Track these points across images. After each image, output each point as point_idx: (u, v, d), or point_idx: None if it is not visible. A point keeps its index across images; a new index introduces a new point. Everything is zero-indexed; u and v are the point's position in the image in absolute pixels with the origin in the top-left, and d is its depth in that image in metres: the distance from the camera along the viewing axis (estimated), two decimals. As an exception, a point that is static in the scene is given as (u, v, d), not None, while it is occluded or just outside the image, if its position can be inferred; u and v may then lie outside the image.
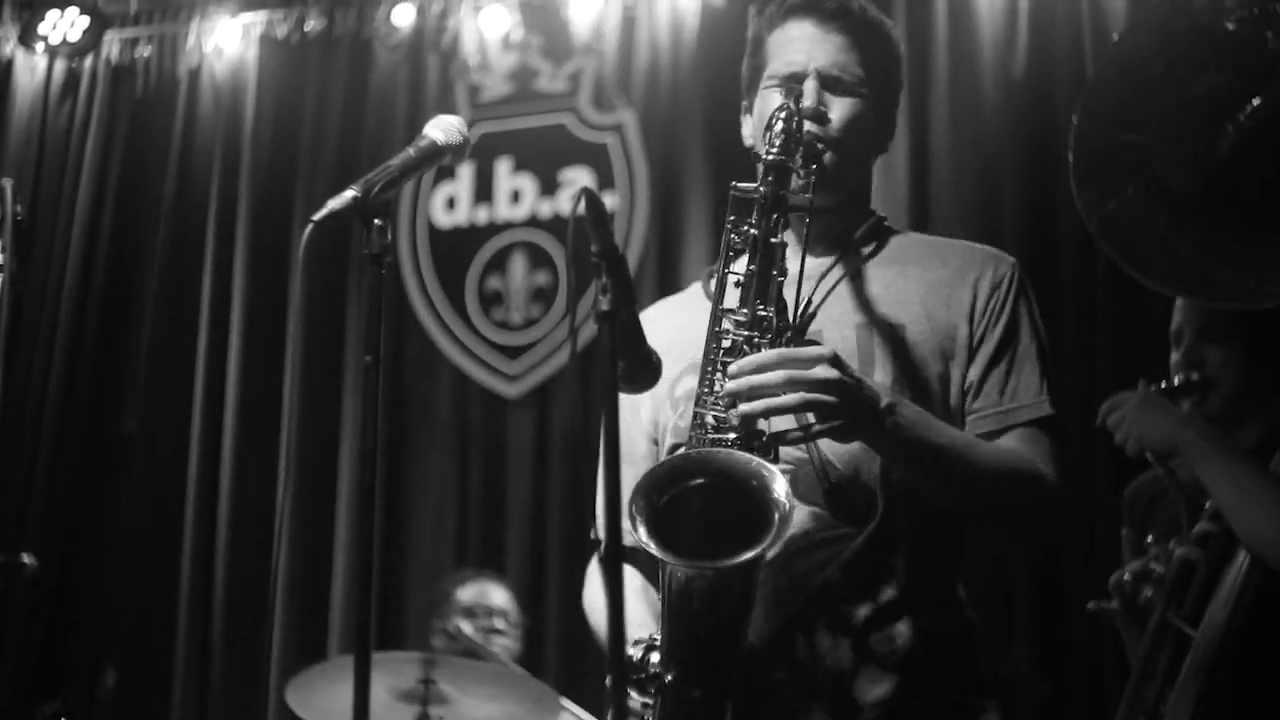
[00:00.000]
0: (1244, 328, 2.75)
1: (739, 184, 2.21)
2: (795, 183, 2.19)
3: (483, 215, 5.95)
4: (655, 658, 2.04)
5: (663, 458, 2.27)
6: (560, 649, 5.27)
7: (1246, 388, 2.76)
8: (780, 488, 1.97)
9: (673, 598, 2.01)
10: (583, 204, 1.85)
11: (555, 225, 5.80)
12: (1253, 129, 2.32)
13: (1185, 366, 2.82)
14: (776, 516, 1.95)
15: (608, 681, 1.75)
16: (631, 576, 2.34)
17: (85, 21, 6.24)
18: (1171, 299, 2.86)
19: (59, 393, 6.07)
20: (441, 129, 2.11)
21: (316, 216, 1.94)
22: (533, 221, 5.87)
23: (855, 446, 2.18)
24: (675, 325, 2.25)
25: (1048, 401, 2.29)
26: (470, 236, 5.95)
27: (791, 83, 2.30)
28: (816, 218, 2.24)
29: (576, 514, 5.21)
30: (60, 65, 6.45)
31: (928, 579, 2.22)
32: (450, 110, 5.69)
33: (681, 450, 2.09)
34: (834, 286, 2.32)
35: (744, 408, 2.02)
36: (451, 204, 6.00)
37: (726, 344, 2.12)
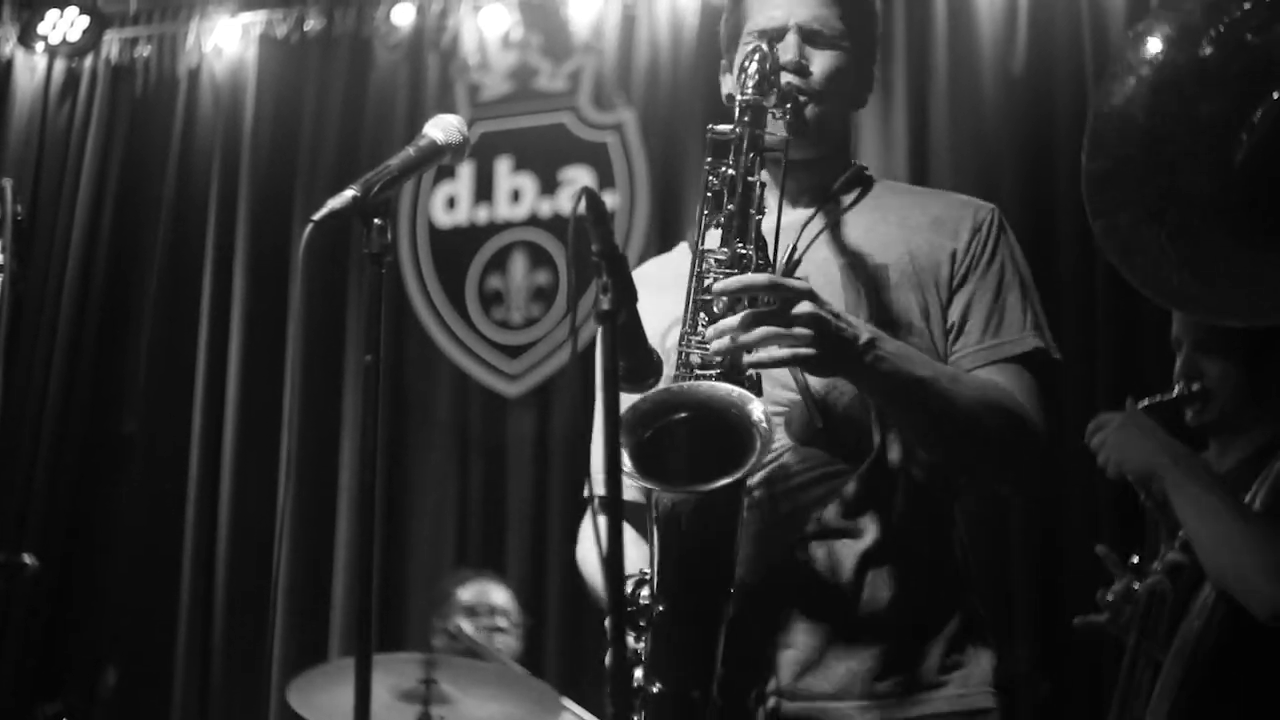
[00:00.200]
0: (1241, 340, 2.75)
1: (715, 126, 2.21)
2: (771, 124, 2.20)
3: (483, 214, 5.95)
4: (646, 592, 2.04)
5: None
6: (561, 648, 5.27)
7: (1245, 399, 2.76)
8: (757, 410, 1.98)
9: (660, 522, 2.01)
10: (583, 203, 1.85)
11: (555, 224, 5.80)
12: (1267, 130, 2.31)
13: (1183, 377, 2.82)
14: (758, 439, 1.96)
15: (606, 624, 1.75)
16: (625, 529, 2.35)
17: (85, 21, 6.24)
18: (1172, 301, 2.85)
19: (59, 393, 6.07)
20: (441, 128, 2.11)
21: (316, 216, 1.94)
22: (533, 221, 5.87)
23: (843, 382, 2.20)
24: (663, 281, 2.26)
25: (1032, 335, 2.31)
26: (470, 236, 5.95)
27: (772, 36, 2.31)
28: (799, 171, 2.28)
29: (577, 513, 5.22)
30: (60, 65, 6.45)
31: (922, 517, 2.23)
32: (450, 109, 5.67)
33: (663, 386, 2.08)
34: (817, 235, 2.34)
35: (715, 345, 2.04)
36: (452, 203, 6.00)
37: (708, 282, 2.12)
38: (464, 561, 5.44)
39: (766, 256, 2.16)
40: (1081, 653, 4.64)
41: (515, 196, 5.92)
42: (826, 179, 2.39)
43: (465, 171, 5.95)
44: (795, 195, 2.35)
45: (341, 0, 6.22)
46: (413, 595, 5.56)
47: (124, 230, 6.29)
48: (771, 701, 2.13)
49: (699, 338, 2.09)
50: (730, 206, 2.15)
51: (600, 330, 1.82)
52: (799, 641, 2.16)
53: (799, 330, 2.02)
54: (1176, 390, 2.81)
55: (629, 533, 2.31)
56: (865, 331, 2.10)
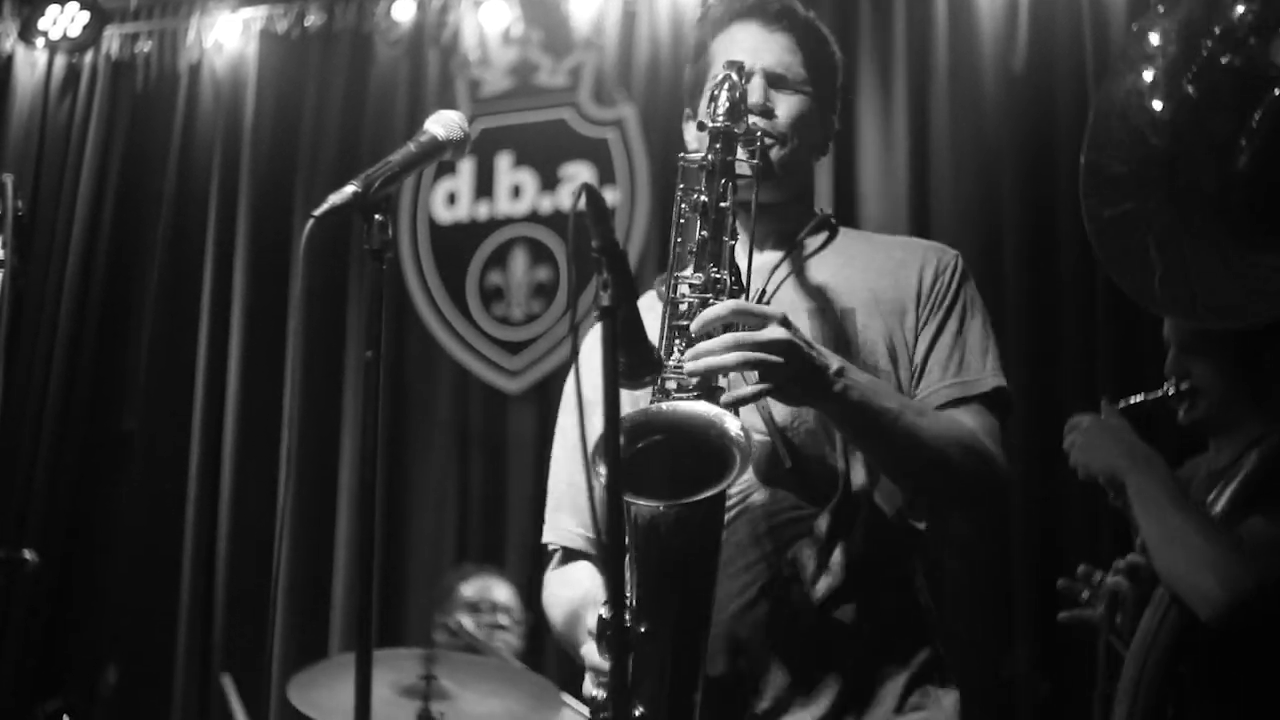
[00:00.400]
0: (1227, 339, 2.77)
1: (685, 154, 2.25)
2: (741, 152, 2.22)
3: (483, 210, 5.95)
4: (625, 617, 2.04)
5: None
6: (561, 645, 5.27)
7: (1232, 396, 2.78)
8: (735, 426, 2.00)
9: (639, 535, 2.01)
10: (583, 199, 1.85)
11: (556, 220, 5.80)
12: (1267, 135, 2.34)
13: (1171, 376, 2.85)
14: (737, 454, 1.98)
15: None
16: (591, 574, 2.39)
17: (85, 17, 6.23)
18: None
19: (59, 389, 6.07)
20: (442, 124, 2.11)
21: (317, 212, 1.94)
22: (533, 217, 5.87)
23: (815, 423, 2.23)
24: None
25: (992, 375, 2.32)
26: (471, 232, 5.95)
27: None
28: (764, 214, 2.30)
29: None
30: (60, 60, 6.44)
31: (885, 558, 2.25)
32: (451, 105, 5.65)
33: (642, 407, 2.10)
34: (785, 278, 2.37)
35: (689, 366, 2.04)
36: (452, 199, 6.00)
37: (683, 308, 2.14)
38: (464, 558, 5.44)
39: (740, 281, 2.18)
40: (1081, 652, 4.63)
41: (516, 192, 5.92)
42: (791, 224, 2.42)
43: (466, 167, 5.94)
44: (761, 239, 2.37)
45: (342, -4, 6.23)
46: (413, 592, 5.56)
47: (124, 226, 6.28)
48: None
49: (674, 364, 2.10)
50: (703, 232, 2.16)
51: (600, 326, 1.82)
52: (767, 679, 2.17)
53: (773, 357, 2.03)
54: (1163, 390, 2.84)
55: (596, 576, 2.36)
56: (835, 360, 2.12)
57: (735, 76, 2.24)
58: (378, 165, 2.01)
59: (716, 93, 2.22)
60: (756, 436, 2.19)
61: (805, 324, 2.28)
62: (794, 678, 2.17)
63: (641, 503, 1.97)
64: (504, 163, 5.94)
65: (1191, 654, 2.61)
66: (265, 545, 5.66)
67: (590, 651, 2.10)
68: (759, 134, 2.26)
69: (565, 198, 5.77)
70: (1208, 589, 2.48)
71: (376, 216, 1.95)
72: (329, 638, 5.58)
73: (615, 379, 1.78)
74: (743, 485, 2.19)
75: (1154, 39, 2.45)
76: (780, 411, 2.24)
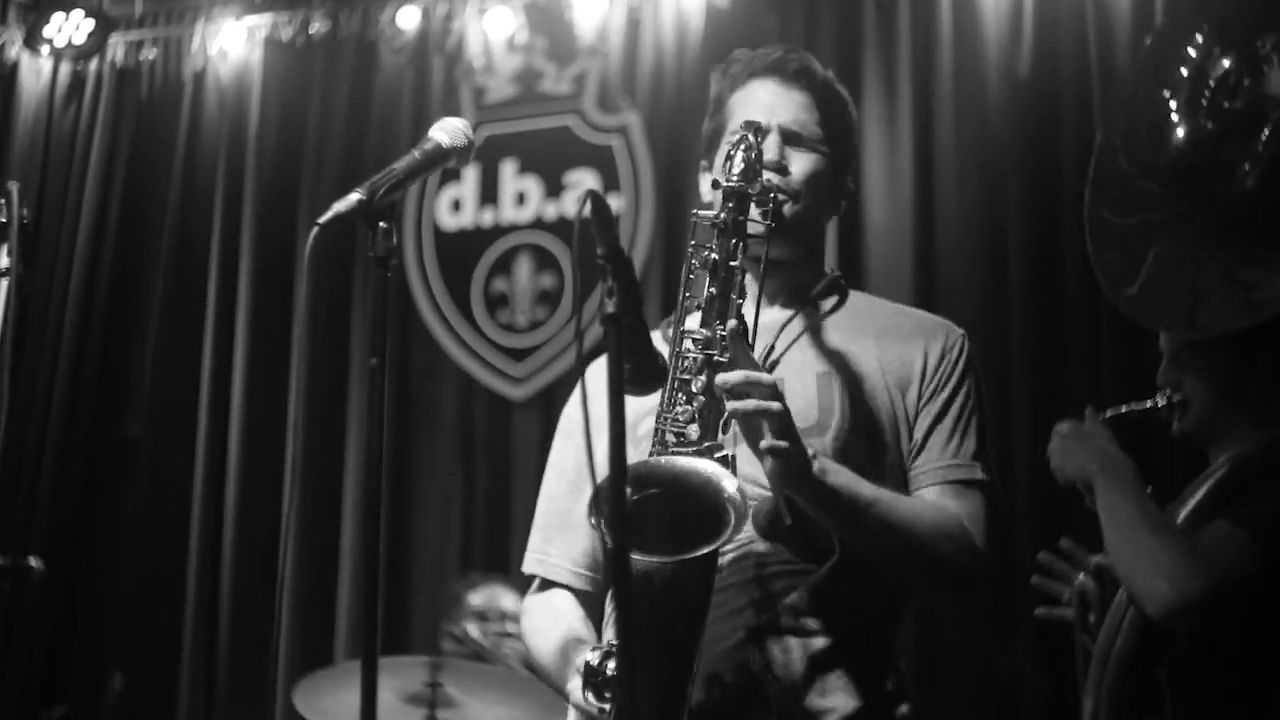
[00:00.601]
0: (1218, 350, 2.81)
1: (699, 211, 2.26)
2: (754, 212, 2.23)
3: (488, 217, 5.95)
4: (612, 664, 2.05)
5: None
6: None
7: (1223, 407, 2.81)
8: (731, 485, 2.02)
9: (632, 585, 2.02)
10: (588, 206, 1.85)
11: (560, 227, 5.80)
12: (1271, 158, 2.39)
13: (1163, 388, 2.90)
14: (731, 513, 2.00)
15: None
16: (572, 607, 2.41)
17: (90, 24, 6.24)
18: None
19: (64, 397, 6.07)
20: (446, 131, 2.11)
21: (322, 220, 1.94)
22: (538, 224, 5.87)
23: None
24: None
25: (979, 468, 2.34)
26: (475, 239, 5.95)
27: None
28: (775, 271, 2.31)
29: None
30: (65, 68, 6.45)
31: (869, 618, 2.28)
32: (455, 112, 5.69)
33: (642, 459, 2.12)
34: (796, 338, 2.38)
35: (731, 405, 2.07)
36: (457, 206, 6.00)
37: (686, 363, 2.15)
38: (469, 564, 5.44)
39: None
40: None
41: (520, 199, 5.92)
42: (801, 281, 2.43)
43: (470, 174, 5.95)
44: (771, 295, 2.39)
45: (346, 3, 6.22)
46: (418, 599, 5.56)
47: (129, 233, 6.29)
48: None
49: (675, 417, 2.12)
50: (711, 289, 2.17)
51: (605, 333, 1.82)
52: None
53: (774, 405, 2.06)
54: (1152, 401, 2.88)
55: (576, 609, 2.40)
56: (810, 448, 2.14)
57: (752, 137, 2.25)
58: (382, 173, 2.01)
59: (733, 152, 2.24)
60: (758, 491, 2.20)
61: (813, 386, 2.31)
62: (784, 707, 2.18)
63: (637, 556, 1.96)
64: (509, 170, 5.95)
65: (1166, 656, 2.66)
66: (270, 552, 5.66)
67: (576, 691, 2.12)
68: (773, 192, 2.27)
69: (570, 204, 5.77)
70: (1156, 588, 2.54)
71: (381, 224, 1.96)
72: (334, 644, 5.58)
73: (620, 386, 1.77)
74: (744, 536, 2.20)
75: (1181, 70, 2.51)
76: None
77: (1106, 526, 2.65)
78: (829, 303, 2.45)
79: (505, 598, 4.88)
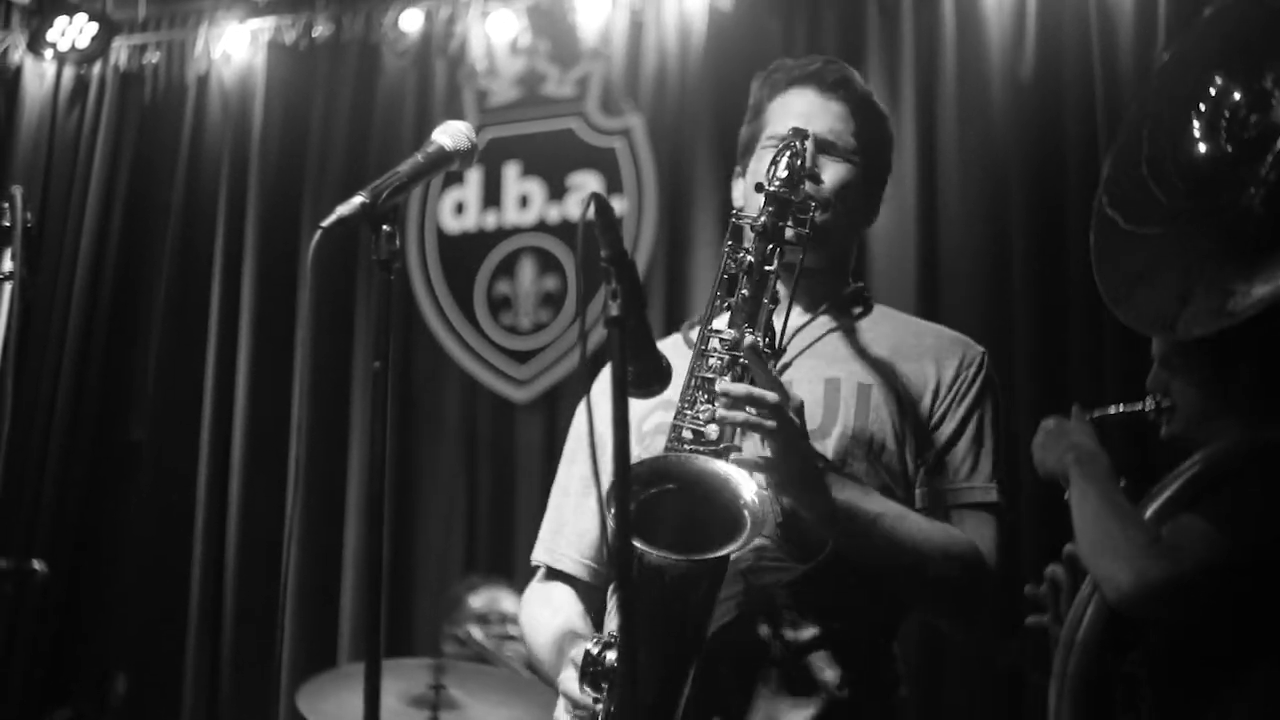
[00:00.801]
0: (1205, 354, 2.85)
1: (739, 212, 2.29)
2: (791, 219, 2.25)
3: (491, 220, 5.96)
4: (612, 655, 2.06)
5: None
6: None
7: (1209, 411, 2.85)
8: (749, 492, 2.03)
9: (641, 578, 2.03)
10: (591, 208, 1.85)
11: (564, 230, 5.80)
12: (1276, 181, 2.46)
13: (1153, 392, 2.94)
14: (748, 518, 2.01)
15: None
16: (572, 603, 2.42)
17: (94, 28, 6.25)
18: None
19: (68, 400, 6.08)
20: (449, 134, 2.12)
21: (325, 223, 1.94)
22: (541, 226, 5.88)
23: None
24: None
25: (995, 490, 2.36)
26: (479, 241, 5.96)
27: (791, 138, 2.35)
28: (800, 278, 2.32)
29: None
30: (69, 72, 6.46)
31: (862, 625, 2.27)
32: (458, 115, 5.68)
33: (660, 454, 2.13)
34: (811, 344, 2.39)
35: (720, 413, 2.08)
36: (460, 209, 6.00)
37: (711, 361, 2.17)
38: (473, 567, 5.44)
39: (773, 345, 2.21)
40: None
41: (523, 202, 5.92)
42: (825, 289, 2.44)
43: (473, 177, 5.95)
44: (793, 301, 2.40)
45: (350, 6, 6.22)
46: (421, 601, 5.56)
47: (132, 237, 6.30)
48: None
49: (695, 415, 2.13)
50: (744, 291, 2.19)
51: (609, 336, 1.82)
52: (736, 703, 2.18)
53: (770, 423, 2.07)
54: (1141, 405, 2.93)
55: (576, 604, 2.40)
56: (821, 462, 2.16)
57: (799, 144, 2.26)
58: (385, 176, 2.01)
59: (779, 158, 2.25)
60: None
61: (820, 390, 2.32)
62: (763, 708, 2.19)
63: (654, 552, 1.98)
64: (511, 172, 5.95)
65: (1137, 648, 2.70)
66: (274, 555, 5.67)
67: (569, 681, 2.12)
68: (811, 202, 2.28)
69: (573, 207, 5.78)
70: (1117, 575, 2.58)
71: (384, 227, 1.96)
72: (337, 647, 5.58)
73: (624, 388, 1.77)
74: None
75: (1207, 91, 2.56)
76: None
77: (1075, 515, 2.70)
78: (850, 313, 2.46)
79: (506, 600, 4.88)
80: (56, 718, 5.26)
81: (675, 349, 2.38)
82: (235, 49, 6.32)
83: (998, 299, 5.09)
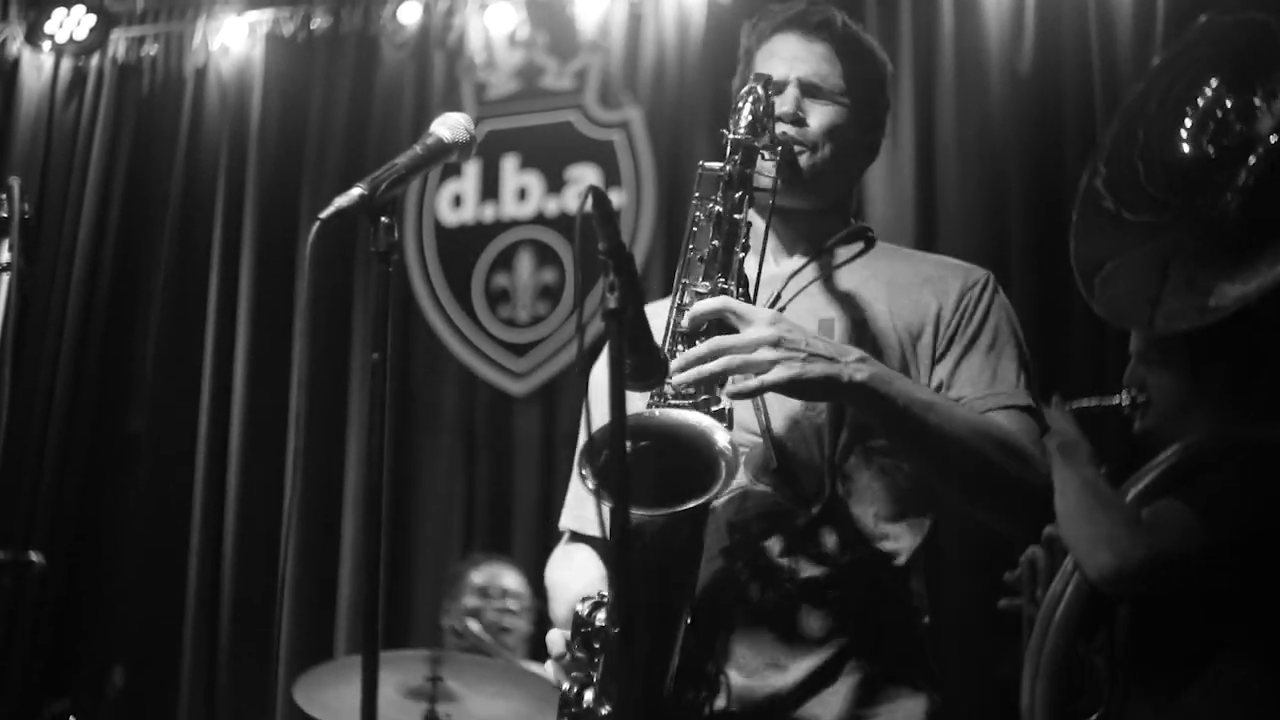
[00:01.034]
0: (1182, 351, 2.91)
1: (706, 163, 2.25)
2: (761, 164, 2.23)
3: (489, 213, 5.96)
4: (602, 615, 2.06)
5: None
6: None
7: (1183, 407, 2.90)
8: (723, 439, 2.01)
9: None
10: (589, 201, 1.85)
11: (562, 223, 5.81)
12: (1252, 189, 2.50)
13: (1128, 387, 2.99)
14: (723, 465, 1.99)
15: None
16: (595, 565, 2.38)
17: (91, 20, 6.25)
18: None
19: (66, 392, 6.08)
20: (448, 126, 2.12)
21: (323, 214, 1.94)
22: (539, 219, 5.88)
23: (808, 430, 2.23)
24: (655, 329, 2.23)
25: (1025, 394, 2.33)
26: (477, 234, 5.96)
27: (773, 85, 2.33)
28: (796, 220, 2.33)
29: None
30: (66, 64, 6.45)
31: (869, 563, 2.25)
32: (456, 108, 5.66)
33: (636, 412, 2.10)
34: (804, 287, 2.37)
35: (677, 378, 2.06)
36: (458, 201, 6.00)
37: (688, 315, 2.14)
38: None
39: (747, 294, 2.19)
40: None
41: (521, 195, 5.92)
42: (821, 232, 2.42)
43: (471, 170, 5.95)
44: (791, 245, 2.40)
45: (348, -1, 6.24)
46: (419, 594, 5.56)
47: (130, 229, 6.29)
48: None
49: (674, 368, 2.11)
50: (715, 242, 2.17)
51: (607, 329, 1.82)
52: (736, 661, 2.18)
53: (760, 355, 2.04)
54: (1117, 399, 2.98)
55: (598, 568, 2.36)
56: (853, 351, 2.13)
57: (760, 90, 2.25)
58: (383, 168, 2.01)
59: (740, 104, 2.24)
60: (749, 437, 2.21)
61: (814, 332, 2.26)
62: (760, 660, 2.18)
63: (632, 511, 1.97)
64: (510, 165, 5.95)
65: (1102, 634, 2.75)
66: (271, 547, 5.67)
67: (555, 641, 2.12)
68: (783, 143, 2.26)
69: (571, 200, 5.78)
70: (1099, 554, 2.63)
71: (382, 219, 1.96)
72: (335, 639, 5.58)
73: (622, 381, 1.77)
74: (735, 482, 2.18)
75: (1206, 91, 2.59)
76: (777, 416, 2.25)
77: (1058, 498, 2.72)
78: (847, 251, 2.44)
79: (507, 576, 4.89)
80: (54, 709, 5.26)
81: (665, 309, 2.39)
82: (233, 41, 6.32)
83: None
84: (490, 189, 5.96)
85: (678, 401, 2.09)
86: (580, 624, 2.06)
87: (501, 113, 6.02)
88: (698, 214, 2.22)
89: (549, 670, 2.17)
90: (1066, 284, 5.01)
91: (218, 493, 5.87)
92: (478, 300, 5.88)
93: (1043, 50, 5.31)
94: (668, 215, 5.65)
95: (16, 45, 6.47)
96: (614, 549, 1.73)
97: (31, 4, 6.38)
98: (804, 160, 2.32)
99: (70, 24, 6.24)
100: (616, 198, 5.68)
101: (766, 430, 2.23)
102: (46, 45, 6.33)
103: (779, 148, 2.25)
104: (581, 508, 2.48)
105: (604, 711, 2.03)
